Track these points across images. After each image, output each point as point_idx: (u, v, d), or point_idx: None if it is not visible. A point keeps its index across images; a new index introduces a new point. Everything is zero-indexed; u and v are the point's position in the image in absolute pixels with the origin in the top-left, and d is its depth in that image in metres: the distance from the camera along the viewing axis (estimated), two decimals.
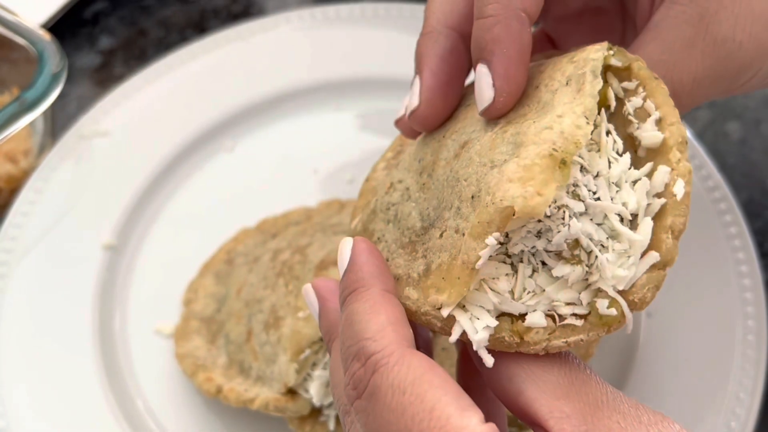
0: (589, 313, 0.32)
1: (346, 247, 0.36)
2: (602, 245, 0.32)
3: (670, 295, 0.57)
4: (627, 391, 0.55)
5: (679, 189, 0.32)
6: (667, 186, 0.32)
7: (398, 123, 0.43)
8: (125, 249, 0.63)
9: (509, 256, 0.33)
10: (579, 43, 0.39)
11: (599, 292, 0.32)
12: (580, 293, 0.32)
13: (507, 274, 0.32)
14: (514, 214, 0.30)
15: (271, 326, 0.52)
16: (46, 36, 0.62)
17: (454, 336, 0.32)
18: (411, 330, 0.33)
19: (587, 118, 0.32)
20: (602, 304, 0.31)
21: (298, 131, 0.69)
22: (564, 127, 0.31)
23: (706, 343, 0.55)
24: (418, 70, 0.40)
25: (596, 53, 0.34)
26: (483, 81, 0.35)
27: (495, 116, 0.36)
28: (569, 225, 0.31)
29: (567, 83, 0.34)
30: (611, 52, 0.35)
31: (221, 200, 0.66)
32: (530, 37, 0.36)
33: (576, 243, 0.31)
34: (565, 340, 0.32)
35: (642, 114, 0.34)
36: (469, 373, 0.40)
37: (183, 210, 0.65)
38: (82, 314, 0.59)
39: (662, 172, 0.32)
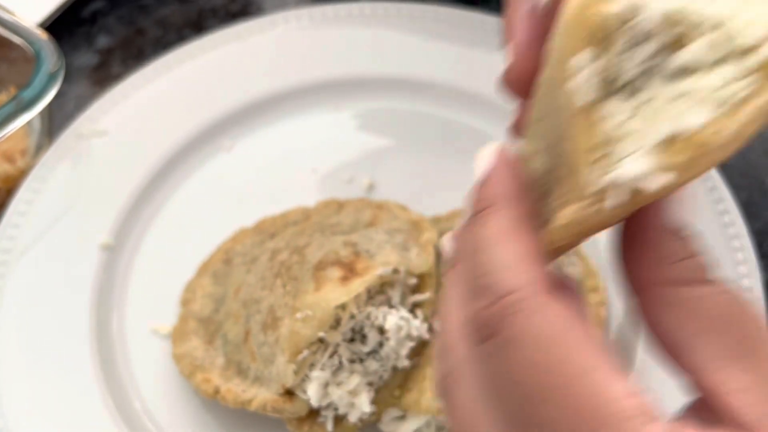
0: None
1: (487, 152, 0.30)
2: None
3: None
4: None
5: None
6: None
7: (508, 74, 0.35)
8: (123, 249, 0.62)
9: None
10: None
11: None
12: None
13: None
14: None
15: (269, 327, 0.51)
16: (43, 35, 0.62)
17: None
18: (546, 269, 0.28)
19: None
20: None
21: (297, 131, 0.69)
22: None
23: None
24: (506, 33, 0.35)
25: None
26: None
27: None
28: None
29: None
30: None
31: (219, 200, 0.66)
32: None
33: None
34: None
35: None
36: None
37: (181, 210, 0.65)
38: (79, 314, 0.59)
39: None
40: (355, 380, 0.49)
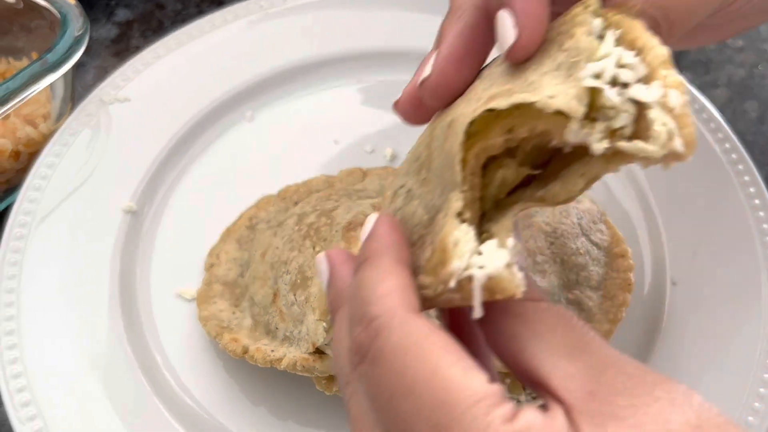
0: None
1: (370, 219, 0.36)
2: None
3: (695, 264, 0.57)
4: (653, 360, 0.54)
5: (674, 99, 0.29)
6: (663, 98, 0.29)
7: (396, 105, 0.42)
8: (146, 214, 0.62)
9: None
10: None
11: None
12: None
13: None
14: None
15: (299, 286, 0.51)
16: None
17: (477, 301, 0.30)
18: (417, 298, 0.32)
19: (579, 102, 0.29)
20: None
21: (318, 103, 0.69)
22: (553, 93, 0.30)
23: (731, 312, 0.55)
24: (436, 44, 0.39)
25: (586, 38, 0.32)
26: (505, 23, 0.35)
27: (521, 56, 0.35)
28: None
29: (557, 68, 0.32)
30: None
31: (241, 168, 0.65)
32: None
33: None
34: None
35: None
36: (457, 328, 0.38)
37: (203, 177, 0.65)
38: (102, 279, 0.58)
39: (654, 87, 0.29)
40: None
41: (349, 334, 0.33)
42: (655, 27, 0.36)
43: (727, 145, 0.61)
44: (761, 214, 0.58)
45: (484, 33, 0.39)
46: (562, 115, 0.29)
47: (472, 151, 0.32)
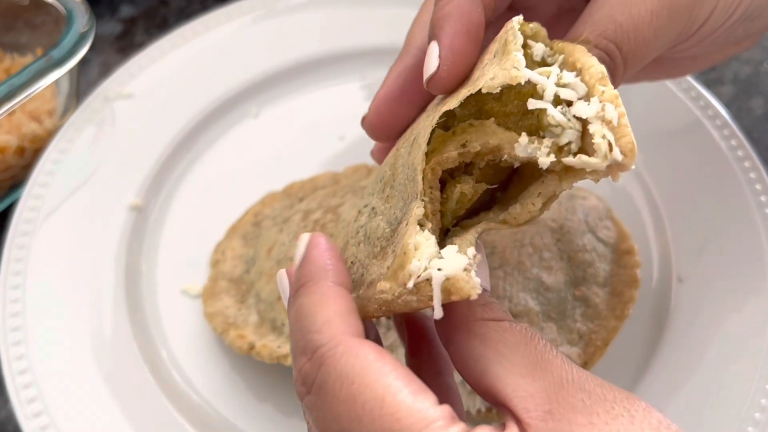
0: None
1: (302, 241, 0.36)
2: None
3: (701, 260, 0.57)
4: (659, 356, 0.54)
5: (611, 112, 0.30)
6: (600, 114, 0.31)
7: (364, 122, 0.44)
8: (151, 210, 0.62)
9: None
10: None
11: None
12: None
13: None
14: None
15: None
16: None
17: (437, 301, 0.31)
18: (360, 322, 0.33)
19: (517, 68, 0.31)
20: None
21: (324, 100, 0.69)
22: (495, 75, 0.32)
23: (737, 309, 0.55)
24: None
25: (512, 23, 0.34)
26: (431, 53, 0.37)
27: (440, 87, 0.37)
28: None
29: (494, 56, 0.34)
30: (529, 25, 0.35)
31: (246, 165, 0.65)
32: (481, 17, 0.37)
33: None
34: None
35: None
36: (420, 363, 0.39)
37: (208, 173, 0.65)
38: (108, 274, 0.58)
39: (593, 103, 0.31)
40: (393, 336, 0.49)
41: (295, 365, 0.32)
42: (609, 59, 0.37)
43: (733, 142, 0.61)
44: (767, 211, 0.58)
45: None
46: (511, 132, 0.32)
47: (428, 165, 0.33)
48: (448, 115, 0.34)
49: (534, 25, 0.35)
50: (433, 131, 0.34)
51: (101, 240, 0.59)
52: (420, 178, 0.33)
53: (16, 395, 0.51)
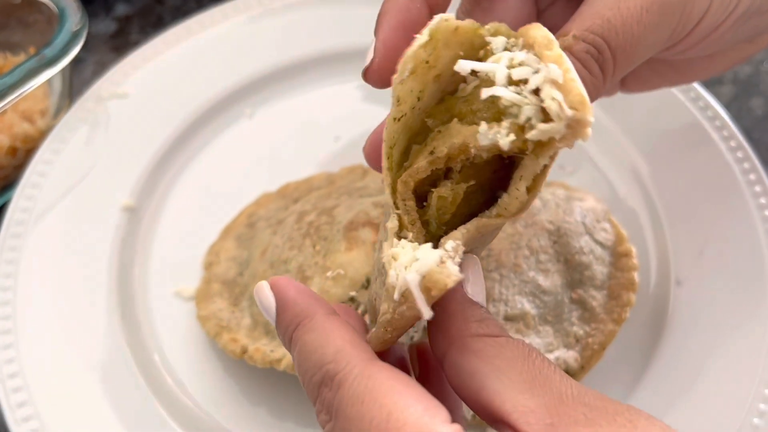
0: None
1: (264, 291, 0.36)
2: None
3: (700, 263, 0.56)
4: (657, 360, 0.54)
5: (555, 71, 0.30)
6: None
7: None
8: (145, 211, 0.61)
9: None
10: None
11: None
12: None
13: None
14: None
15: None
16: None
17: (420, 301, 0.30)
18: (367, 344, 0.33)
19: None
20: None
21: (319, 100, 0.69)
22: None
23: (735, 312, 0.54)
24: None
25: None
26: (370, 48, 0.38)
27: (374, 79, 0.38)
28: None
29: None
30: (485, 26, 0.34)
31: (241, 165, 0.65)
32: (421, 13, 0.38)
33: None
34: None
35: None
36: (426, 377, 0.39)
37: (202, 174, 0.64)
38: (100, 275, 0.57)
39: (541, 71, 0.30)
40: None
41: (314, 399, 0.33)
42: (598, 53, 0.36)
43: (733, 143, 0.60)
44: (767, 213, 0.57)
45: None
46: (473, 126, 0.32)
47: (400, 179, 0.33)
48: (423, 130, 0.35)
49: (491, 26, 0.34)
50: (410, 147, 0.34)
51: (94, 241, 0.58)
52: (389, 191, 0.33)
53: (6, 399, 0.50)
